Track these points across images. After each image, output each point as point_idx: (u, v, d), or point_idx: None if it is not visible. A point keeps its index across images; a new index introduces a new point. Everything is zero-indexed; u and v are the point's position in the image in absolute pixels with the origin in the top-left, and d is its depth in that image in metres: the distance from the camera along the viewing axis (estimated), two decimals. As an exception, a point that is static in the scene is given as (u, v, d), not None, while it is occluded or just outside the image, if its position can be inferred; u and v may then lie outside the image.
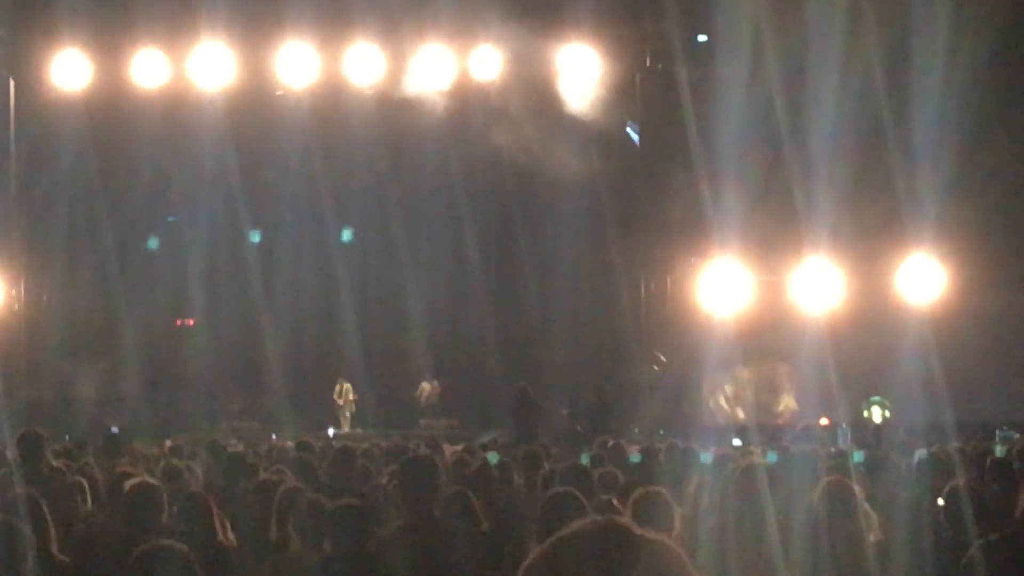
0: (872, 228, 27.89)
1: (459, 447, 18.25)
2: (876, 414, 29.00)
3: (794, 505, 7.47)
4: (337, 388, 30.70)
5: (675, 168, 27.94)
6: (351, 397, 30.63)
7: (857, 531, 7.54)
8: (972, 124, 26.05)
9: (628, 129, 30.31)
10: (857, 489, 8.06)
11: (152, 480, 9.27)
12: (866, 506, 8.34)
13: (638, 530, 2.67)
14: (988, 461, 11.07)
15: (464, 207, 31.64)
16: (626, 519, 2.73)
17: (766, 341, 29.27)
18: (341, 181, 30.33)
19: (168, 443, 20.41)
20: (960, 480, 8.57)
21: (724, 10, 26.94)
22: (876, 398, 28.96)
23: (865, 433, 23.90)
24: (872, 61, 25.46)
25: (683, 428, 26.22)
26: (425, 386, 31.09)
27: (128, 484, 8.78)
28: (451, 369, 31.40)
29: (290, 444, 18.92)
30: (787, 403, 29.60)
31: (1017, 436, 23.41)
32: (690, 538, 7.55)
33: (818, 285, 29.25)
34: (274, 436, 25.97)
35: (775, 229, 27.83)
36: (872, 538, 8.00)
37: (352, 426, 30.25)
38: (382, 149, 30.59)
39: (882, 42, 25.88)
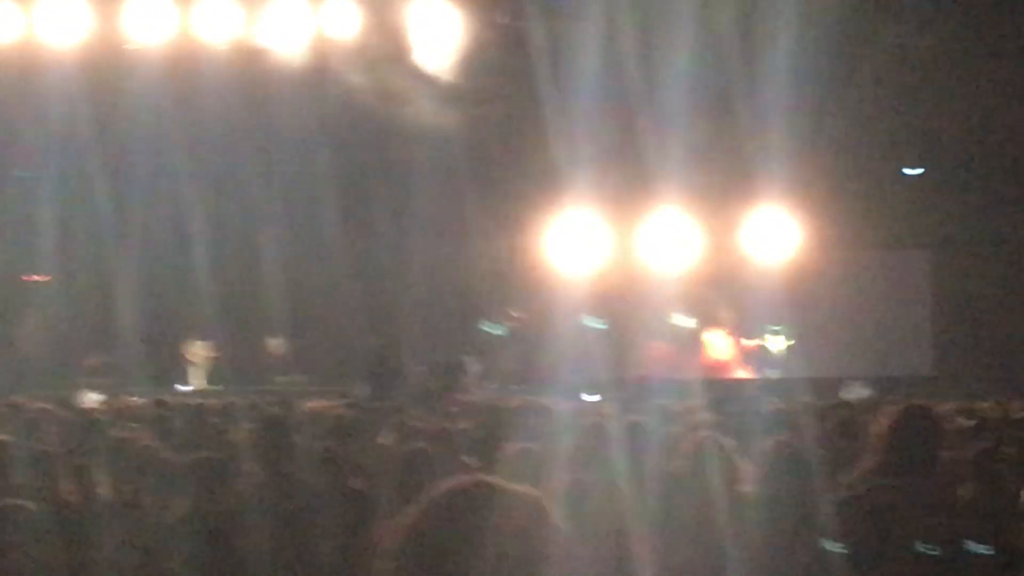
0: (724, 184, 28.20)
1: (317, 403, 18.17)
2: (778, 343, 29.22)
3: (653, 461, 7.52)
4: (192, 344, 30.28)
5: (529, 125, 27.95)
6: (206, 354, 30.26)
7: (728, 483, 7.56)
8: (825, 80, 26.43)
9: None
10: (727, 442, 8.10)
11: (5, 436, 9.13)
12: (735, 458, 8.39)
13: (507, 485, 2.70)
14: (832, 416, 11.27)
15: (319, 163, 31.46)
16: (492, 476, 2.75)
17: (621, 296, 29.60)
18: (195, 135, 29.92)
19: (18, 399, 20.07)
20: (786, 436, 8.64)
21: (578, -35, 27.00)
22: (777, 327, 29.13)
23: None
24: (725, 17, 25.68)
25: (538, 384, 26.39)
26: (280, 342, 30.87)
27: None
28: (306, 325, 31.19)
29: (144, 402, 18.72)
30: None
31: (867, 392, 23.85)
32: (547, 496, 7.56)
33: (670, 239, 29.58)
34: (130, 395, 25.59)
35: (629, 185, 28.02)
36: (745, 488, 8.06)
37: (208, 383, 29.90)
38: (236, 102, 30.32)
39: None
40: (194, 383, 29.74)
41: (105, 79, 28.98)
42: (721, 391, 22.04)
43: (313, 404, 18.15)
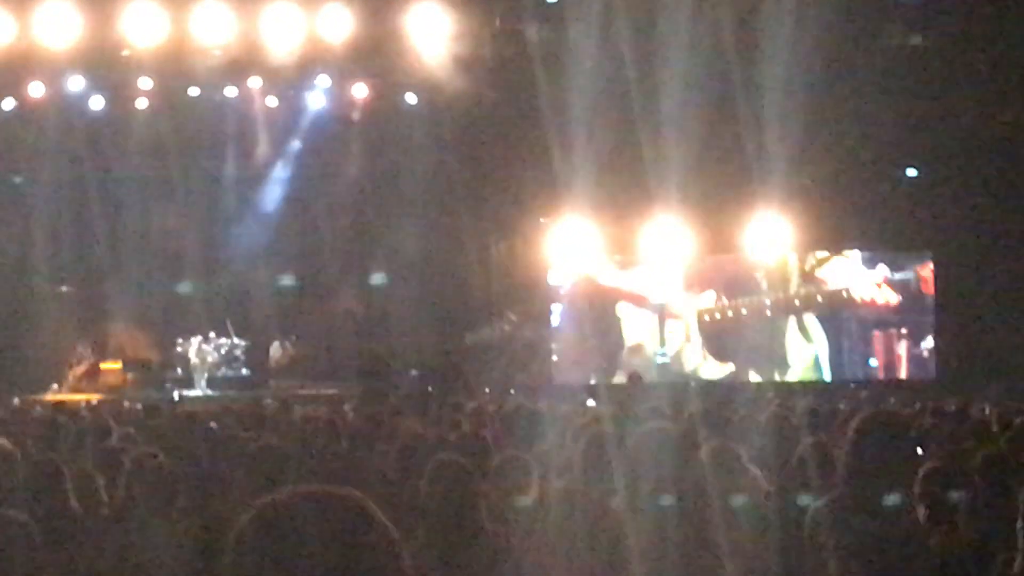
0: (721, 188, 28.21)
1: (312, 409, 18.17)
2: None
3: (645, 466, 7.48)
4: (194, 348, 30.16)
5: (526, 129, 27.93)
6: (208, 359, 30.14)
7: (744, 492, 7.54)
8: (823, 81, 26.42)
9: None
10: (742, 451, 8.08)
11: (6, 443, 9.08)
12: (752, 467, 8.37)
13: (336, 490, 2.75)
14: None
15: (312, 166, 31.50)
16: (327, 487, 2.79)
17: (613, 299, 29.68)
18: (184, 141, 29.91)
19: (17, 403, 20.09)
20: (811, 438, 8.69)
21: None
22: None
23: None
24: (722, 21, 25.66)
25: (533, 388, 26.40)
26: (277, 347, 30.85)
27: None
28: (300, 330, 31.18)
29: (138, 407, 18.72)
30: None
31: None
32: (545, 501, 7.56)
33: (667, 243, 29.66)
34: (125, 402, 25.49)
35: (626, 189, 28.03)
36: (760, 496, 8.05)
37: (205, 388, 29.81)
38: (225, 108, 30.45)
39: (732, 2, 26.12)
40: (194, 388, 29.66)
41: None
42: (719, 393, 22.03)
43: (307, 409, 18.17)
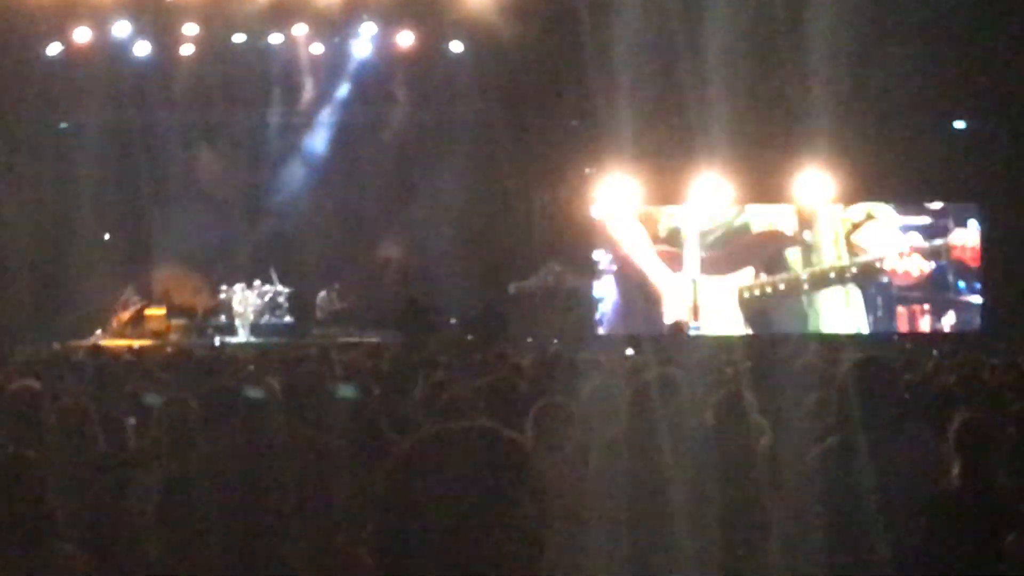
0: (766, 139, 27.99)
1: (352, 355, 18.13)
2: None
3: (687, 416, 7.43)
4: (237, 295, 30.19)
5: (571, 78, 27.72)
6: (251, 306, 30.16)
7: (747, 440, 7.56)
8: (869, 33, 26.09)
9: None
10: (748, 397, 8.05)
11: (34, 384, 9.05)
12: (756, 416, 8.33)
13: (503, 432, 2.74)
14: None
15: (357, 114, 31.41)
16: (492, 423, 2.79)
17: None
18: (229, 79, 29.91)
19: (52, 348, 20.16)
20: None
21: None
22: None
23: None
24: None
25: (576, 338, 26.30)
26: (324, 296, 30.81)
27: (12, 388, 8.61)
28: (344, 279, 31.14)
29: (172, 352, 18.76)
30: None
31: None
32: (585, 450, 7.50)
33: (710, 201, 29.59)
34: (167, 348, 25.54)
35: (669, 141, 27.86)
36: (763, 442, 8.02)
37: (248, 335, 29.85)
38: (270, 55, 30.45)
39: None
40: (237, 334, 29.72)
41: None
42: (761, 345, 21.88)
43: (348, 356, 18.12)
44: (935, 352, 20.95)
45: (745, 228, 30.17)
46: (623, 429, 7.18)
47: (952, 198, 30.03)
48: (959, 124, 30.63)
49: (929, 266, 29.85)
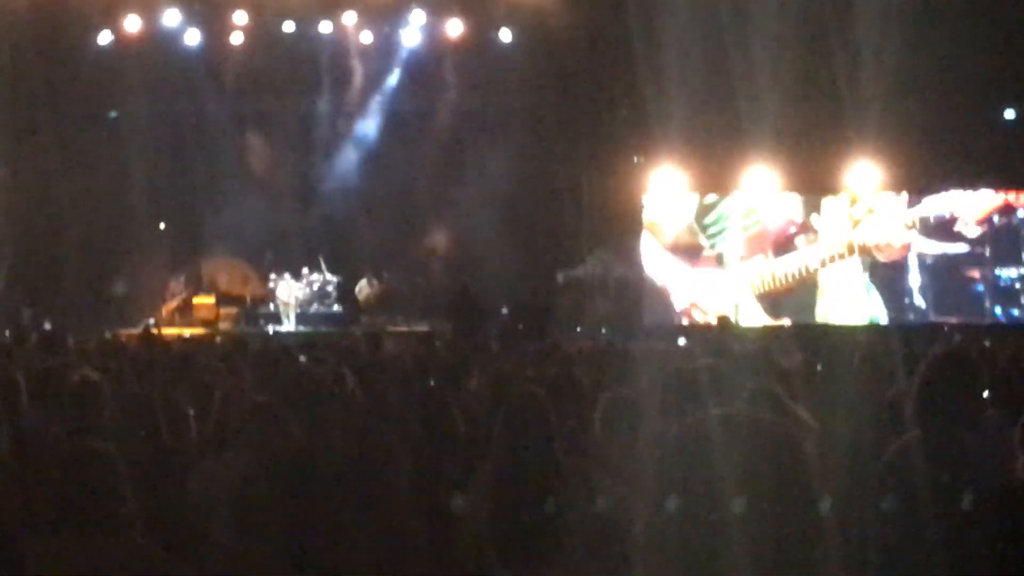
0: (815, 129, 27.86)
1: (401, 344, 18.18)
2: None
3: (733, 406, 7.39)
4: (286, 284, 30.26)
5: (621, 67, 27.68)
6: (299, 295, 30.22)
7: (788, 433, 7.47)
8: (916, 23, 25.94)
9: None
10: (781, 391, 8.01)
11: (95, 375, 9.10)
12: (797, 409, 8.28)
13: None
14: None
15: (406, 103, 31.45)
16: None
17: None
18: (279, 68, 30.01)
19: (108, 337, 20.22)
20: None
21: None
22: None
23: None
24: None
25: (624, 328, 26.33)
26: (364, 284, 30.82)
27: (73, 379, 8.65)
28: (393, 267, 31.18)
29: (228, 341, 18.83)
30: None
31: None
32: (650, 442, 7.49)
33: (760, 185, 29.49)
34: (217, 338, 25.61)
35: (719, 132, 27.76)
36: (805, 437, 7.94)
37: (296, 324, 29.92)
38: (320, 43, 30.47)
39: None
40: (284, 324, 29.81)
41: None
42: (810, 334, 21.85)
43: (396, 345, 18.19)
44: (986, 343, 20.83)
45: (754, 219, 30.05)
46: (681, 422, 7.15)
47: (1004, 187, 29.90)
48: (1009, 113, 30.47)
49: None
